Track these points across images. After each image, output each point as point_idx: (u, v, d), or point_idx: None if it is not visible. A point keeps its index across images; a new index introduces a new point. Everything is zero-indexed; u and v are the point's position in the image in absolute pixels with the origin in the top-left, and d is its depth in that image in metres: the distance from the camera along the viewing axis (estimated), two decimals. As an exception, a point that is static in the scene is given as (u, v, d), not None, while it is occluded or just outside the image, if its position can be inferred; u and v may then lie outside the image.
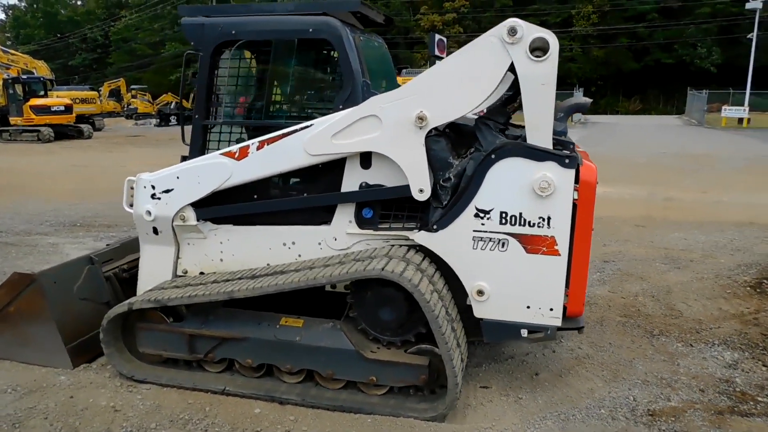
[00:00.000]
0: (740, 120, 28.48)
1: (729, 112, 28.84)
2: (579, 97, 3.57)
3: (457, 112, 3.35)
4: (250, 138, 3.88)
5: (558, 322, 3.38)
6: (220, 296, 3.46)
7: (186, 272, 4.08)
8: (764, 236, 7.40)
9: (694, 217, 8.53)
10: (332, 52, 3.68)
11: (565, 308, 3.39)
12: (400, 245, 3.59)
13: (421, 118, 3.32)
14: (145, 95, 38.58)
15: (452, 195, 3.39)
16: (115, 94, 38.49)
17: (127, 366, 3.80)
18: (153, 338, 3.78)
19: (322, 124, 3.52)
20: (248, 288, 3.42)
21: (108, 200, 9.87)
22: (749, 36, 30.48)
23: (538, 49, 3.14)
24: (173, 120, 33.63)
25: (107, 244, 4.67)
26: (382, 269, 3.20)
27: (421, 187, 3.43)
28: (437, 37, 22.74)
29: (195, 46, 3.86)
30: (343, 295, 3.74)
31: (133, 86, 39.33)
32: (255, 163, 3.67)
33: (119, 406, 3.43)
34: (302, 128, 3.56)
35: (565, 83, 37.97)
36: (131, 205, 4.07)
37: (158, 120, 33.40)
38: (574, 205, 3.26)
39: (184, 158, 4.18)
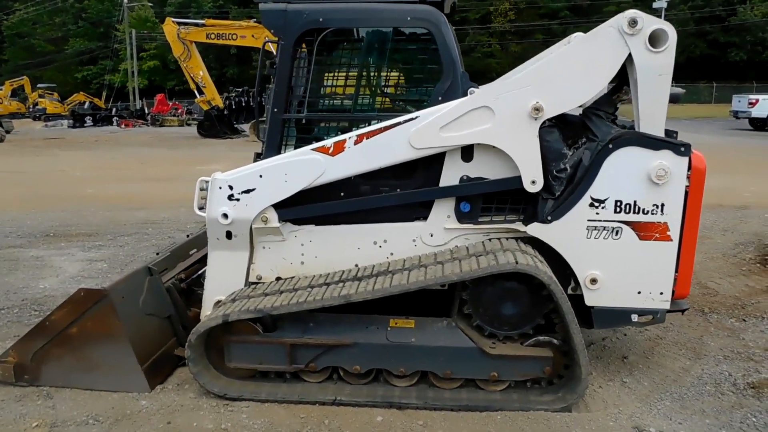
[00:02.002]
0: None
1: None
2: (672, 87, 3.65)
3: (573, 102, 3.36)
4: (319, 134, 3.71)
5: (667, 305, 3.47)
6: (335, 300, 3.26)
7: (260, 278, 3.81)
8: (739, 216, 8.03)
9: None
10: (429, 42, 3.54)
11: (672, 291, 3.50)
12: (508, 238, 3.55)
13: (537, 109, 3.29)
14: (53, 94, 35.73)
15: (567, 185, 3.39)
16: (17, 94, 35.33)
17: (217, 384, 3.49)
18: (246, 351, 3.49)
19: (429, 116, 3.40)
20: (367, 290, 3.25)
21: (69, 208, 9.10)
22: (656, 33, 32.77)
23: (657, 40, 3.19)
24: (88, 120, 31.40)
25: (157, 253, 4.27)
26: (517, 263, 3.15)
27: (533, 178, 3.40)
28: None
29: (275, 35, 3.60)
30: (430, 293, 3.64)
31: (39, 85, 36.30)
32: (352, 158, 3.48)
33: (231, 428, 3.15)
34: (406, 121, 3.42)
35: (484, 77, 39.35)
36: (201, 208, 3.74)
37: (72, 121, 30.99)
38: (686, 192, 3.37)
39: (258, 155, 3.91)
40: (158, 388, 3.58)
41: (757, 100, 21.45)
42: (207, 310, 3.85)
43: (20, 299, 5.12)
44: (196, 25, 21.17)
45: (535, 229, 3.44)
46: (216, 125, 22.14)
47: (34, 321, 4.59)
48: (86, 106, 32.83)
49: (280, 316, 3.44)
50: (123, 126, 29.84)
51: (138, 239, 7.18)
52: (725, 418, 3.23)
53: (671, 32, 3.19)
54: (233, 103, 25.15)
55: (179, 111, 32.82)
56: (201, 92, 22.10)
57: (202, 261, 4.50)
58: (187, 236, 4.77)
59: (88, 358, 3.52)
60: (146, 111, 34.69)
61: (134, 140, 22.19)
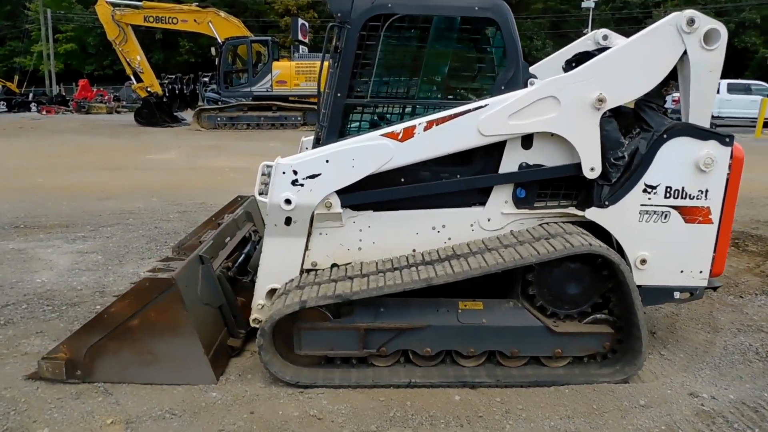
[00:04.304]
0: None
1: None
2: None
3: (633, 94, 3.57)
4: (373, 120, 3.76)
5: (705, 283, 3.78)
6: (416, 284, 3.31)
7: (315, 265, 3.80)
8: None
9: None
10: (494, 32, 3.64)
11: (710, 270, 3.81)
12: (566, 222, 3.73)
13: (600, 100, 3.48)
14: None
15: (623, 172, 3.61)
16: None
17: (288, 371, 3.45)
18: (317, 338, 3.48)
19: (498, 104, 3.51)
20: (448, 273, 3.32)
21: (26, 199, 8.53)
22: (585, 31, 34.63)
23: (710, 39, 3.46)
24: (2, 106, 29.01)
25: (200, 241, 4.12)
26: (591, 245, 3.33)
27: (592, 165, 3.59)
28: (300, 21, 23.33)
29: (342, 19, 3.58)
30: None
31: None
32: (421, 144, 3.54)
33: (320, 414, 3.13)
34: (475, 108, 3.52)
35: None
36: (262, 194, 3.67)
37: (-19, 105, 28.55)
38: (726, 179, 3.68)
39: (317, 140, 3.87)
40: (222, 379, 3.49)
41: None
42: (259, 299, 3.80)
43: (21, 294, 4.77)
44: (133, 6, 20.09)
45: (592, 214, 3.64)
46: (155, 113, 21.13)
47: (50, 317, 4.36)
48: (-1, 89, 30.32)
49: (349, 302, 3.45)
50: (44, 112, 27.81)
51: (123, 230, 6.82)
52: (762, 383, 3.58)
53: (723, 32, 3.47)
54: (167, 90, 24.14)
55: (105, 98, 30.97)
56: (138, 78, 21.02)
57: (239, 248, 4.43)
58: (219, 224, 4.63)
59: (149, 351, 3.38)
60: (66, 97, 32.48)
61: (64, 127, 20.77)
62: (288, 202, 3.55)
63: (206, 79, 31.93)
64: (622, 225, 3.65)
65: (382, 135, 3.54)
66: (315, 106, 20.60)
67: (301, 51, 23.68)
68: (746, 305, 4.84)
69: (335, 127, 3.70)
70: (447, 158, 3.66)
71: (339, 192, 3.61)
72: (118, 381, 3.39)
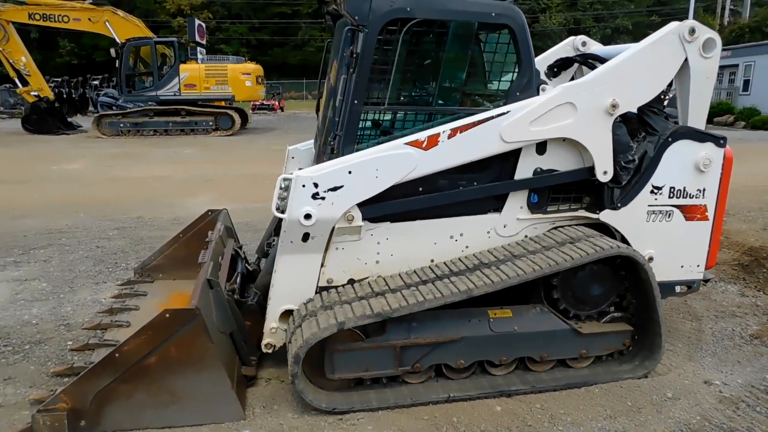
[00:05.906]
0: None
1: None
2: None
3: (642, 100, 3.70)
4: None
5: (701, 276, 4.03)
6: (457, 296, 3.21)
7: (330, 282, 3.60)
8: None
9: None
10: (510, 38, 3.61)
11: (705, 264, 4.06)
12: (578, 225, 3.81)
13: (614, 106, 3.58)
14: None
15: (633, 175, 3.74)
16: None
17: (322, 398, 3.23)
18: (351, 359, 3.28)
19: (519, 110, 3.50)
20: (487, 283, 3.26)
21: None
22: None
23: (708, 47, 3.68)
24: None
25: (200, 262, 3.73)
26: (619, 247, 3.42)
27: (605, 169, 3.69)
28: (197, 22, 22.48)
29: (358, 22, 3.39)
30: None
31: None
32: (445, 152, 3.45)
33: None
34: (498, 115, 3.48)
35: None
36: (278, 209, 3.40)
37: None
38: (720, 178, 3.92)
39: (332, 150, 3.64)
40: (247, 413, 3.19)
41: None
42: (273, 322, 3.56)
43: (-35, 335, 4.10)
44: (16, 1, 18.17)
45: (606, 216, 3.75)
46: (47, 119, 19.23)
47: (14, 359, 3.81)
48: None
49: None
50: None
51: (59, 251, 6.09)
52: (759, 365, 3.87)
53: (719, 41, 3.70)
54: (54, 94, 22.05)
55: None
56: (24, 81, 19.03)
57: (231, 268, 4.11)
58: (206, 241, 4.24)
59: (168, 390, 3.01)
60: None
61: (-66, 137, 18.35)
62: (308, 217, 3.32)
63: (96, 83, 29.61)
64: (632, 225, 3.79)
65: (406, 144, 3.41)
66: (227, 111, 19.87)
67: (199, 53, 22.57)
68: (711, 292, 5.23)
69: (352, 135, 3.51)
70: (464, 165, 3.60)
71: (360, 204, 3.44)
72: (130, 428, 2.99)
